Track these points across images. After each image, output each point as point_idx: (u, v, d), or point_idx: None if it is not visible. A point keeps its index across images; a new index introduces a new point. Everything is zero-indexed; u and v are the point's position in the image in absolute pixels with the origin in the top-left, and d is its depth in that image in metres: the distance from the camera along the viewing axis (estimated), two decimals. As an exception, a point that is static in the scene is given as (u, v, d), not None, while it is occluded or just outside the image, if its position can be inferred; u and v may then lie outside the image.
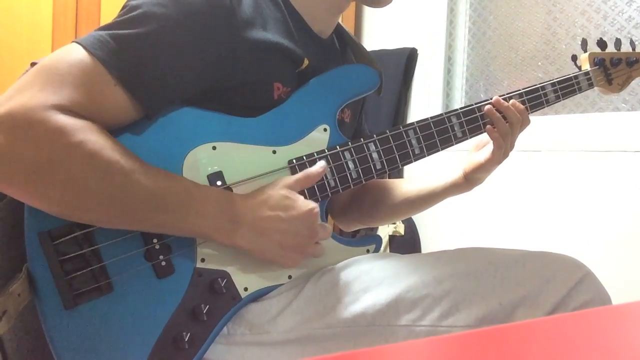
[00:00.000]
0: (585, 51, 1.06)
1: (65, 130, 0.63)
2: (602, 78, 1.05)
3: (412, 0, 2.23)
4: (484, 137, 0.94)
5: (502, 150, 0.90)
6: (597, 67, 1.04)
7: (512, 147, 0.92)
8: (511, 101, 0.91)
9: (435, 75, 2.18)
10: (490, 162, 0.91)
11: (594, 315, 0.47)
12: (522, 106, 0.91)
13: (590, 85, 1.03)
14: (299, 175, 0.77)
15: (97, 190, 0.64)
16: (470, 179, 0.95)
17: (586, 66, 1.05)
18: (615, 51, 1.07)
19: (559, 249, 0.80)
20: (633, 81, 1.11)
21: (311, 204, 0.74)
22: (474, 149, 0.97)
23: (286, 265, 0.75)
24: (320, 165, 0.78)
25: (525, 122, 0.92)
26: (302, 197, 0.75)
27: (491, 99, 0.91)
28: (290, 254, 0.74)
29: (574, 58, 1.07)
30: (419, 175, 1.03)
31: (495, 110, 0.90)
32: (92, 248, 0.68)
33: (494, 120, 0.89)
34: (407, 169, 2.14)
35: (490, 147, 0.92)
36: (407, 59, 2.22)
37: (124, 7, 0.72)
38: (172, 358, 0.70)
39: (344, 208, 1.07)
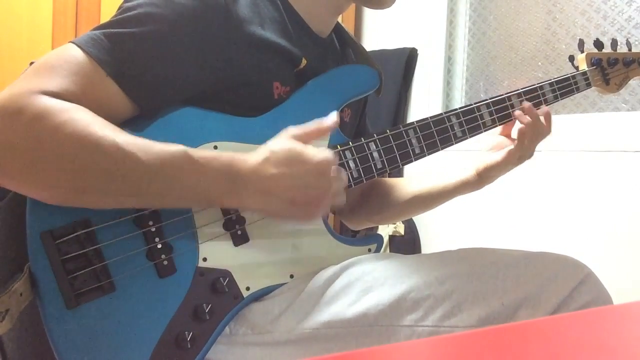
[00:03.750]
0: (582, 52, 1.07)
1: (51, 111, 0.62)
2: (600, 78, 1.06)
3: (412, 0, 2.23)
4: (499, 140, 0.97)
5: (519, 154, 0.93)
6: (595, 67, 1.05)
7: (530, 155, 0.95)
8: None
9: (435, 75, 2.18)
10: (504, 162, 0.94)
11: (595, 315, 0.47)
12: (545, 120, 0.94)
13: (588, 85, 1.04)
14: (310, 125, 0.72)
15: (90, 166, 0.63)
16: (483, 178, 0.96)
17: (583, 66, 1.06)
18: (612, 51, 1.08)
19: (560, 248, 0.80)
20: (633, 81, 1.11)
21: (321, 154, 0.69)
22: (490, 149, 0.98)
23: (305, 219, 0.71)
24: (333, 115, 0.74)
25: (547, 132, 0.94)
26: (310, 147, 0.70)
27: (490, 98, 0.92)
28: (305, 208, 0.69)
29: (571, 58, 1.08)
30: (428, 174, 1.04)
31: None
32: (94, 247, 0.68)
33: (524, 125, 0.91)
34: (407, 169, 2.14)
35: (506, 150, 0.94)
36: (407, 59, 2.22)
37: (119, 8, 0.73)
38: (174, 357, 0.70)
39: (353, 207, 1.07)
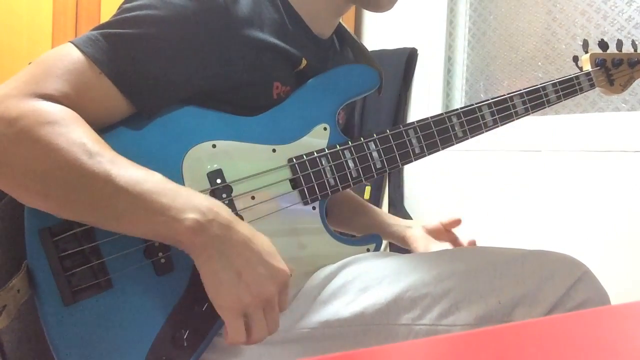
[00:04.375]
0: (586, 52, 1.06)
1: (34, 111, 0.62)
2: (604, 79, 1.05)
3: (412, 0, 2.23)
4: (439, 227, 1.05)
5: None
6: (599, 67, 1.04)
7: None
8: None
9: (435, 75, 2.18)
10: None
11: (594, 315, 0.47)
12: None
13: (592, 86, 1.03)
14: None
15: (55, 172, 0.62)
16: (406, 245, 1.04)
17: (587, 67, 1.05)
18: (617, 52, 1.07)
19: (559, 248, 0.80)
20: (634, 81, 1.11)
21: (287, 269, 0.66)
22: (435, 232, 1.05)
23: (231, 301, 0.63)
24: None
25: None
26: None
27: (492, 98, 0.92)
28: (244, 289, 0.62)
29: (575, 59, 1.08)
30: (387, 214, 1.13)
31: None
32: (92, 245, 0.68)
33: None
34: (407, 169, 2.14)
35: (435, 246, 1.00)
36: (407, 59, 2.22)
37: (118, 8, 0.73)
38: (171, 355, 0.70)
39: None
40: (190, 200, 0.63)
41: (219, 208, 0.65)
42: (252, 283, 0.63)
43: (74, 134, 0.63)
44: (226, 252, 0.63)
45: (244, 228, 0.65)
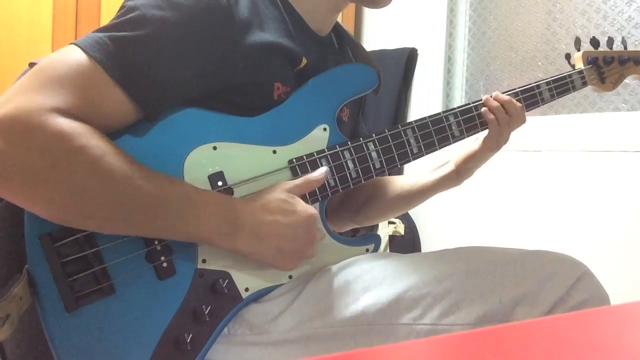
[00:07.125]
0: (578, 50, 1.07)
1: (66, 135, 0.62)
2: (596, 77, 1.06)
3: (412, 0, 2.23)
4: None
5: (495, 139, 0.92)
6: (591, 65, 1.05)
7: (506, 140, 0.94)
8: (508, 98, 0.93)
9: (435, 75, 2.18)
10: (482, 150, 0.93)
11: (594, 316, 0.47)
12: (519, 104, 0.93)
13: (584, 84, 1.04)
14: (299, 180, 0.77)
15: (100, 195, 0.64)
16: (460, 170, 0.97)
17: (580, 65, 1.06)
18: (608, 50, 1.08)
19: (559, 248, 0.80)
20: (633, 81, 1.11)
21: (310, 210, 0.74)
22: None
23: (285, 268, 0.76)
24: (321, 171, 0.78)
25: (520, 119, 0.93)
26: (302, 202, 0.75)
27: (491, 95, 0.93)
28: (288, 257, 0.74)
29: (568, 57, 1.08)
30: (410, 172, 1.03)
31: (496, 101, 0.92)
32: (94, 250, 0.68)
33: (493, 110, 0.91)
34: (407, 168, 2.14)
35: (481, 139, 0.93)
36: (407, 59, 2.22)
37: (121, 7, 0.72)
38: (174, 359, 0.70)
39: (336, 208, 1.06)
40: (219, 211, 0.70)
41: (242, 210, 0.72)
42: (294, 248, 0.74)
43: (109, 158, 0.64)
44: (261, 242, 0.72)
45: (264, 215, 0.72)
